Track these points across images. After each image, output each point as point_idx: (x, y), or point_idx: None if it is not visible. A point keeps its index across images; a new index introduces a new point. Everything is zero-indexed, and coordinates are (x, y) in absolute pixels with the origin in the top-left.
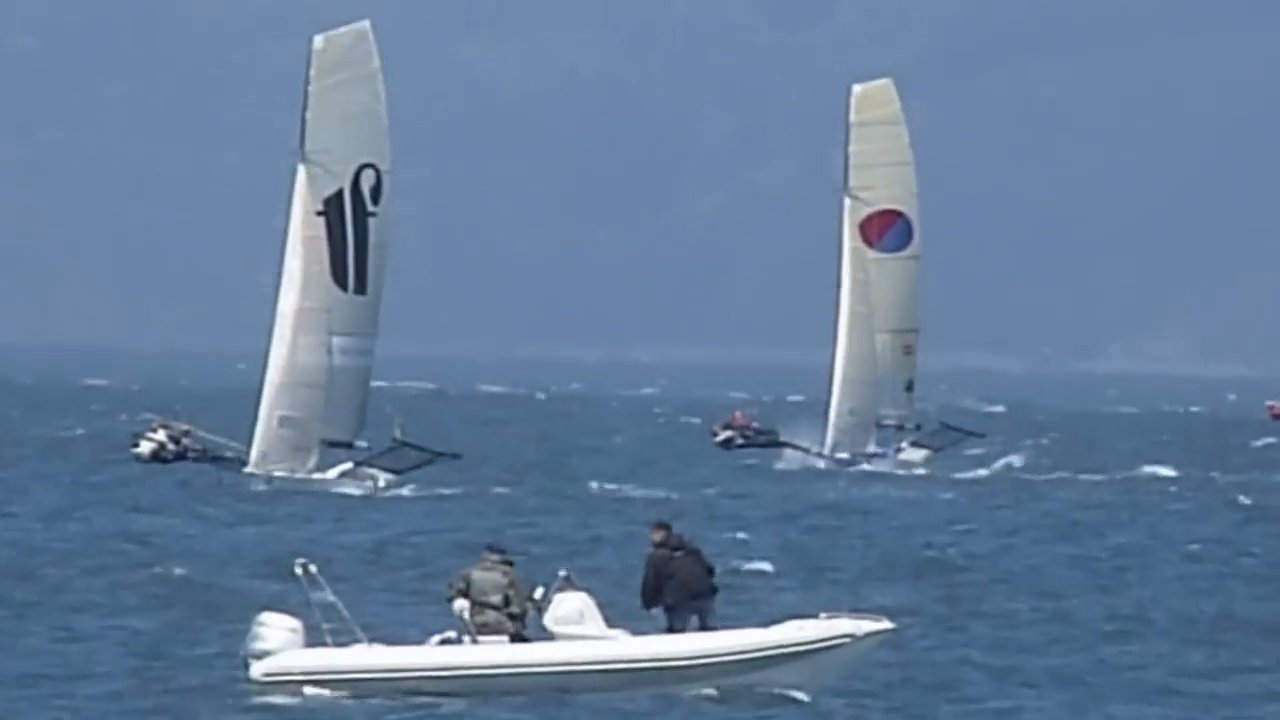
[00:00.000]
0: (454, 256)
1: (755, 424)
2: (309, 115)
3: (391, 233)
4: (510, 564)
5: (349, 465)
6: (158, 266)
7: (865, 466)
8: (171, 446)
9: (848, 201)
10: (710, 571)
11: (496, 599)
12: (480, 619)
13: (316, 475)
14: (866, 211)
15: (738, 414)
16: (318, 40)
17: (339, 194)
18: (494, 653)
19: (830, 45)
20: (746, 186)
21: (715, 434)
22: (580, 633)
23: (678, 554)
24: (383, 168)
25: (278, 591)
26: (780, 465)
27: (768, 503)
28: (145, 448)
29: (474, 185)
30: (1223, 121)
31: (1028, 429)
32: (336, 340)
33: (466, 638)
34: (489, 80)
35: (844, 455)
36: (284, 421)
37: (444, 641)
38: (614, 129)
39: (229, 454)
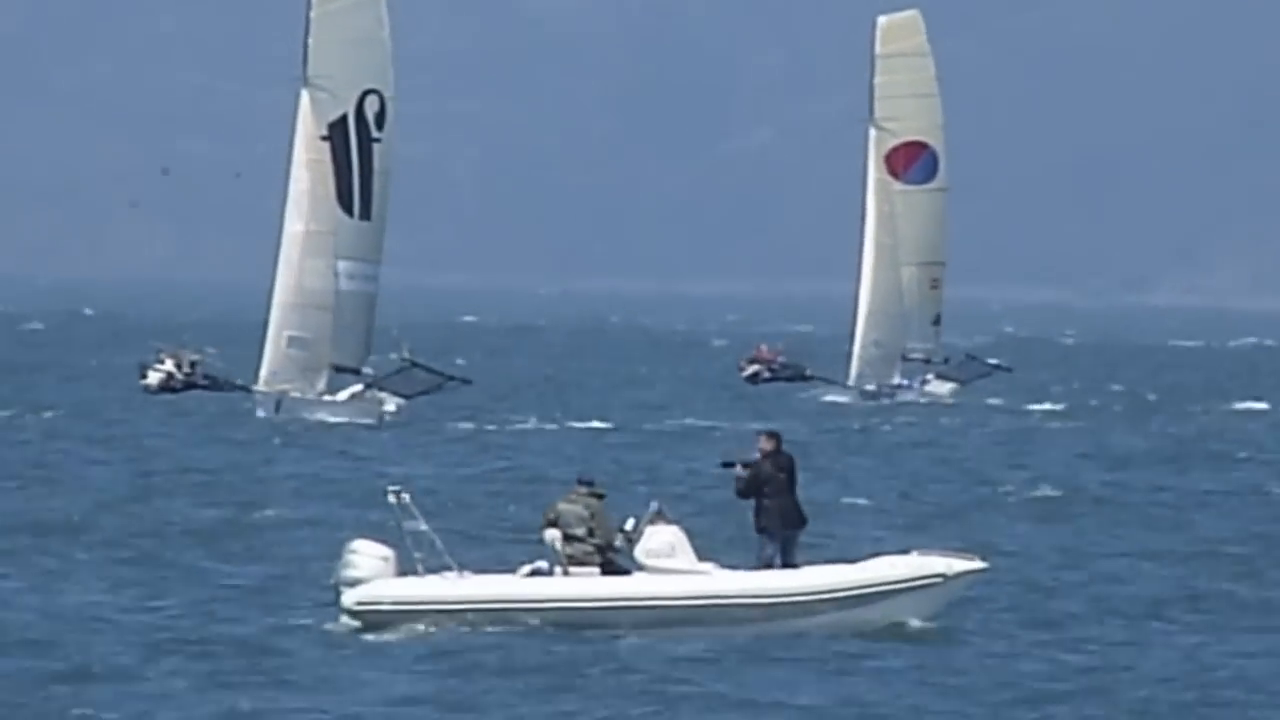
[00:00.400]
0: (504, 189)
1: (781, 357)
2: (311, 41)
3: (395, 159)
4: (599, 496)
5: (358, 388)
6: (209, 199)
7: (898, 397)
8: (179, 376)
9: (873, 133)
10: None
11: (581, 530)
12: (569, 550)
13: (326, 397)
14: (892, 143)
15: (763, 347)
16: None
17: (343, 119)
18: (584, 585)
19: None
20: (797, 119)
21: (741, 368)
22: (671, 566)
23: (781, 475)
24: (387, 94)
25: (366, 520)
26: (828, 397)
27: (847, 437)
28: (153, 378)
29: (524, 119)
30: (1275, 53)
31: (1100, 365)
32: (342, 264)
33: (558, 569)
34: (539, 13)
35: (870, 387)
36: (293, 341)
37: (534, 572)
38: (664, 62)
39: (239, 382)
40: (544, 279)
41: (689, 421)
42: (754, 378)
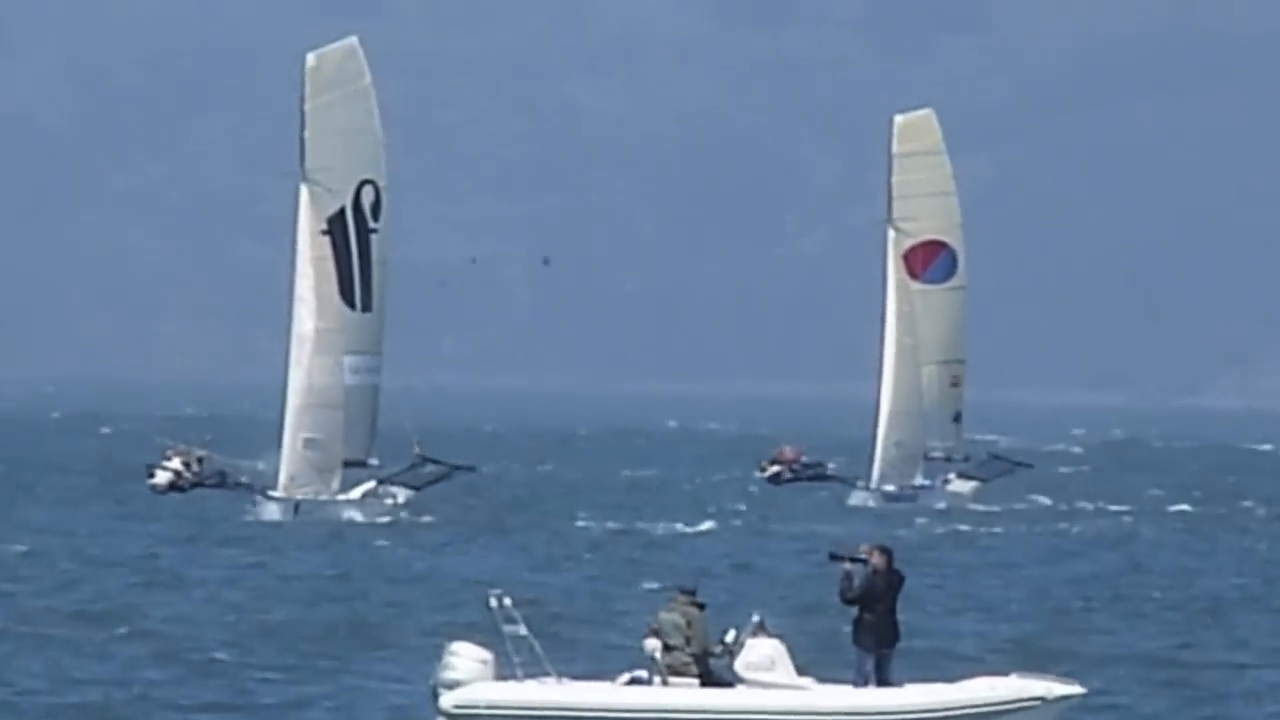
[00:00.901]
0: (559, 293)
1: (804, 458)
2: (307, 134)
3: (391, 248)
4: (700, 605)
5: (371, 484)
6: (260, 301)
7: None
8: (187, 475)
9: (891, 233)
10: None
11: (679, 640)
12: (667, 659)
13: (341, 497)
14: (910, 243)
15: (785, 448)
16: (310, 58)
17: (341, 212)
18: (681, 695)
19: (933, 81)
20: (851, 223)
21: (763, 468)
22: (771, 680)
23: (890, 593)
24: (381, 183)
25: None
26: (852, 501)
27: (940, 543)
28: (161, 478)
29: (580, 222)
30: None
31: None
32: (347, 359)
33: (656, 678)
34: (595, 117)
35: (890, 488)
36: (308, 444)
37: (633, 681)
38: (720, 166)
39: (244, 479)
40: (596, 382)
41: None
42: (775, 478)
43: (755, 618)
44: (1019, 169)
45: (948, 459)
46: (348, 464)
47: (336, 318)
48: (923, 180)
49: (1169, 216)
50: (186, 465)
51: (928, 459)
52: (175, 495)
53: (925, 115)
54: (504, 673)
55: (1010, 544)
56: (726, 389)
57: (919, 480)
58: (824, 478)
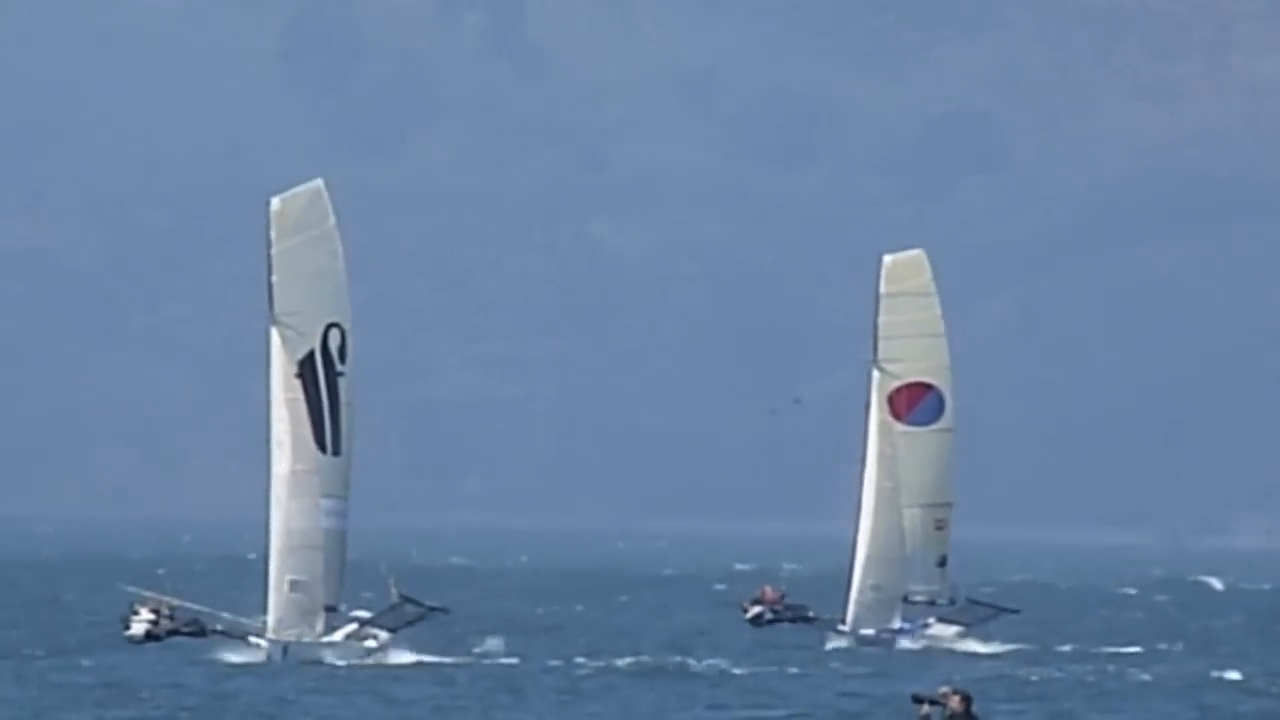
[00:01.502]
0: (583, 431)
1: (786, 599)
2: (275, 278)
3: (358, 392)
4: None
5: (354, 626)
6: None
7: (902, 643)
8: (163, 624)
9: (876, 374)
10: None
11: None
12: None
13: (325, 639)
14: (895, 384)
15: (767, 589)
16: (275, 202)
17: (310, 355)
18: None
19: (956, 219)
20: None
21: (745, 609)
22: None
23: None
24: (346, 326)
25: None
26: (829, 645)
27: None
28: (137, 629)
29: (603, 360)
30: None
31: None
32: (322, 502)
33: None
34: (617, 256)
35: (868, 632)
36: (294, 586)
37: None
38: (741, 304)
39: (219, 626)
40: (621, 521)
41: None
42: (757, 619)
43: None
44: (1041, 305)
45: (931, 603)
46: (326, 608)
47: (311, 459)
48: (910, 321)
49: (1192, 352)
50: (157, 614)
51: (909, 602)
52: (152, 645)
53: (915, 256)
54: None
55: None
56: (752, 528)
57: (896, 624)
58: (805, 619)
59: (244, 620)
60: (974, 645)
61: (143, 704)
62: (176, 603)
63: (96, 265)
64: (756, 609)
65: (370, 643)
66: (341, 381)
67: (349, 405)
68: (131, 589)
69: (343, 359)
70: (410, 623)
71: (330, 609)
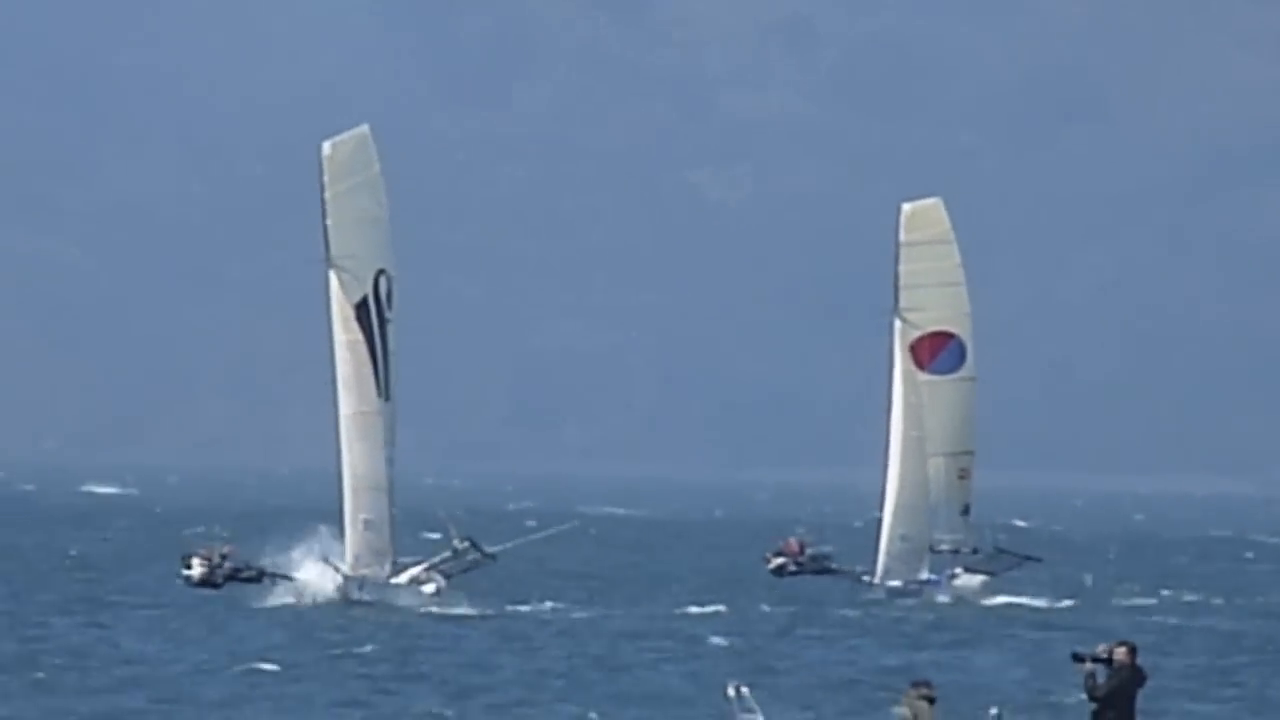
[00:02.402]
0: (682, 381)
1: (809, 550)
2: (329, 222)
3: (401, 339)
4: (930, 700)
5: (418, 569)
6: None
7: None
8: (219, 569)
9: (897, 323)
10: None
11: None
12: None
13: (393, 580)
14: (916, 334)
15: (791, 540)
16: (326, 146)
17: (364, 300)
18: None
19: (1060, 168)
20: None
21: (768, 560)
22: None
23: (1135, 690)
24: (392, 273)
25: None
26: (869, 595)
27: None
28: (196, 571)
29: (702, 309)
30: None
31: None
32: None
33: None
34: (717, 205)
35: (895, 583)
36: (367, 525)
37: None
38: (841, 254)
39: (273, 570)
40: (718, 471)
41: None
42: (779, 570)
43: (994, 711)
44: (1140, 256)
45: (955, 552)
46: None
47: (373, 401)
48: (930, 270)
49: None
50: (209, 560)
51: (934, 552)
52: (208, 590)
53: (933, 204)
54: None
55: None
56: (851, 475)
57: (924, 574)
58: (829, 571)
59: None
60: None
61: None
62: (227, 549)
63: (199, 216)
64: (779, 560)
65: (429, 587)
66: (390, 328)
67: (394, 352)
68: (189, 534)
69: (390, 305)
70: (466, 570)
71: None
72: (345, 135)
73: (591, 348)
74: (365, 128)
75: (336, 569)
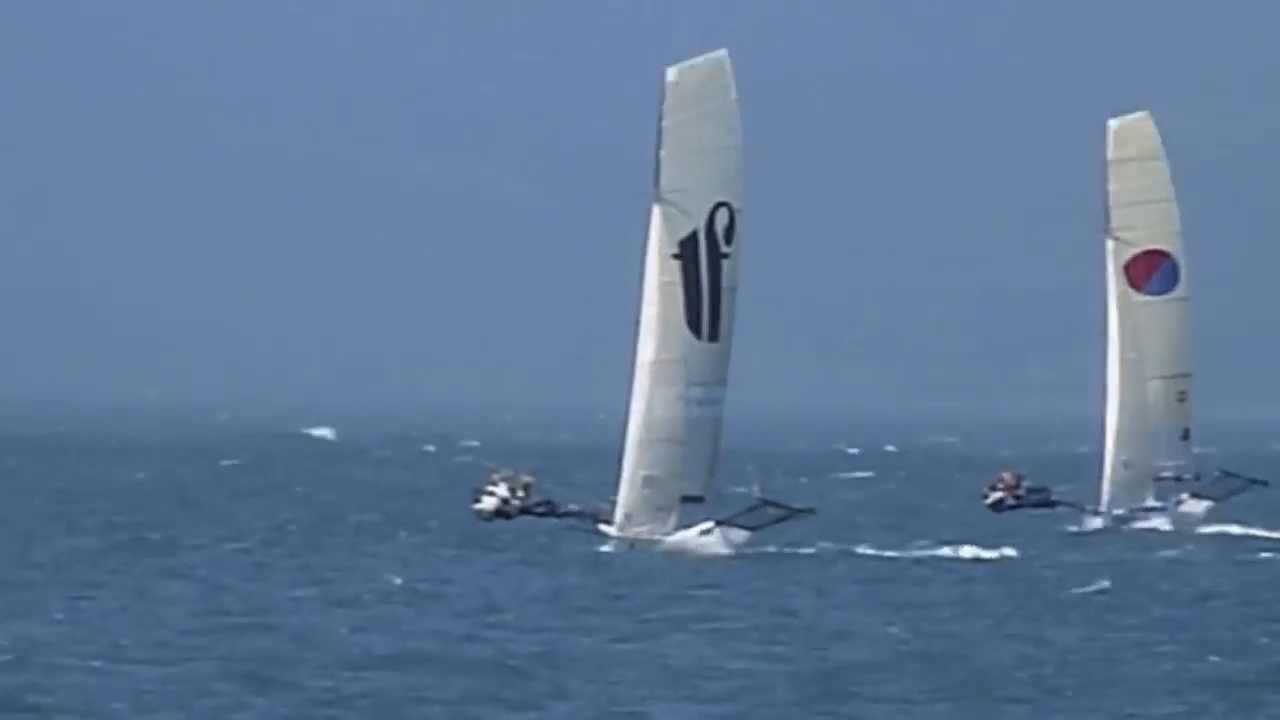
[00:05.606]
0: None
1: (1026, 483)
2: (663, 153)
3: (741, 276)
4: None
5: (709, 524)
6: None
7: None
8: (515, 501)
9: (1110, 243)
10: None
11: None
12: None
13: (677, 535)
14: (1131, 253)
15: (1005, 474)
16: (670, 73)
17: (693, 235)
18: None
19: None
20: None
21: (985, 495)
22: None
23: None
24: (736, 206)
25: None
26: (1083, 526)
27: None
28: (488, 504)
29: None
30: None
31: None
32: (691, 390)
33: None
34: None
35: (1120, 511)
36: (647, 481)
37: None
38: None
39: (574, 508)
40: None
41: None
42: (997, 505)
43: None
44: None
45: (1178, 479)
46: (686, 499)
47: (680, 346)
48: (1141, 187)
49: None
50: (512, 491)
51: (1157, 480)
52: (501, 522)
53: (1142, 119)
54: None
55: None
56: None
57: (1150, 502)
58: (1049, 504)
59: (602, 504)
60: None
61: None
62: (530, 479)
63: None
64: (996, 494)
65: (709, 539)
66: (725, 264)
67: (731, 290)
68: (489, 464)
69: (729, 240)
70: (771, 524)
71: (695, 499)
72: (697, 61)
73: (1051, 285)
74: (723, 52)
75: (601, 530)
